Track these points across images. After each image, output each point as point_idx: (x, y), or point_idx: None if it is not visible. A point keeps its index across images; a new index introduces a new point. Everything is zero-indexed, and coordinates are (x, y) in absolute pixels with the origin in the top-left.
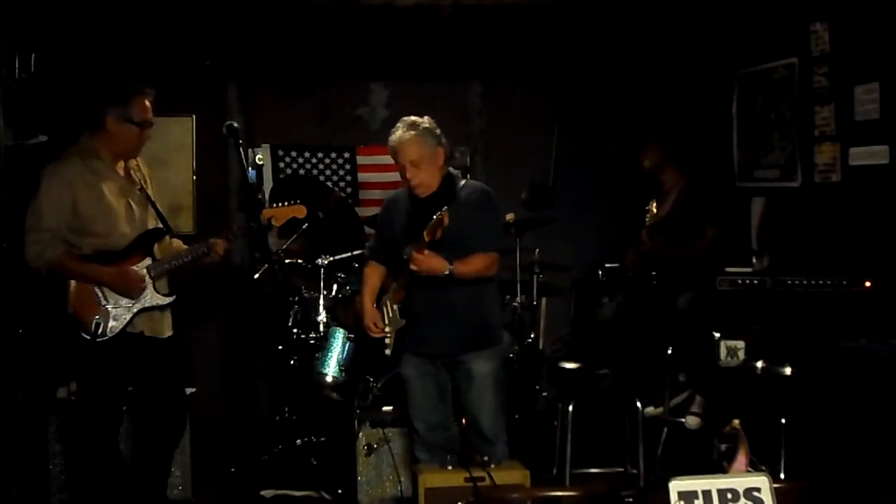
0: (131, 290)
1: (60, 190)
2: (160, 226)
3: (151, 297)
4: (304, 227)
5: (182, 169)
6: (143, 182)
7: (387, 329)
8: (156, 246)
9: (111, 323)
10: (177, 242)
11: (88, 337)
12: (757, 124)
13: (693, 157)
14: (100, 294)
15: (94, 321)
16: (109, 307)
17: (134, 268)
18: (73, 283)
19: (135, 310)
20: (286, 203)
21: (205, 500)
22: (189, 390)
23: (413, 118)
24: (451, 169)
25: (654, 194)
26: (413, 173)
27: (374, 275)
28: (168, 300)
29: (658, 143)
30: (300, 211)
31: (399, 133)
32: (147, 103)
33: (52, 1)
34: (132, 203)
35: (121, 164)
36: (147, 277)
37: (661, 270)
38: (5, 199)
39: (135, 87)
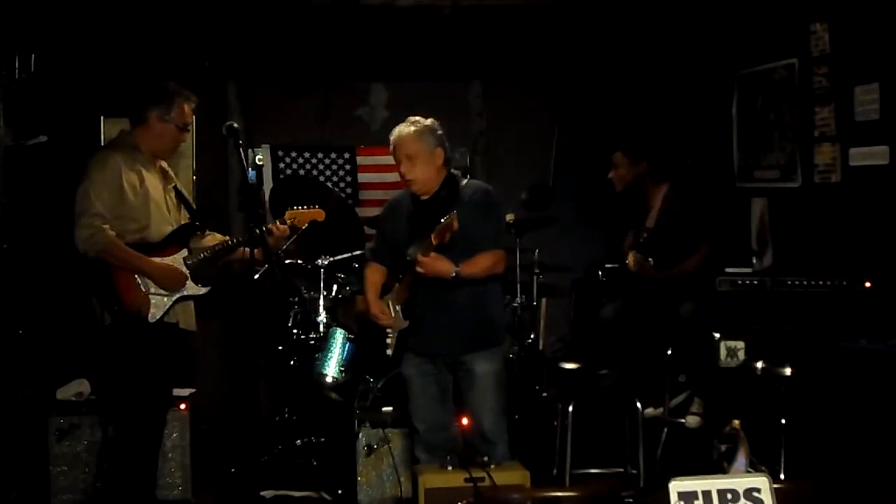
0: (172, 283)
1: (110, 176)
2: (194, 221)
3: (189, 288)
4: (303, 227)
5: (182, 169)
6: (175, 181)
7: (389, 329)
8: (191, 239)
9: (152, 310)
10: (210, 237)
11: (132, 323)
12: (757, 125)
13: (669, 164)
14: (141, 281)
15: (139, 307)
16: (150, 295)
17: (174, 263)
18: (116, 270)
19: (175, 297)
20: (307, 206)
21: (205, 501)
22: (189, 390)
23: (417, 118)
24: (452, 170)
25: (639, 209)
26: (407, 168)
27: (375, 273)
28: (205, 290)
29: (626, 155)
30: (319, 215)
31: (399, 128)
32: (187, 108)
33: (52, 1)
34: (168, 199)
35: (157, 163)
36: (185, 269)
37: (660, 285)
38: (5, 199)
39: (180, 91)
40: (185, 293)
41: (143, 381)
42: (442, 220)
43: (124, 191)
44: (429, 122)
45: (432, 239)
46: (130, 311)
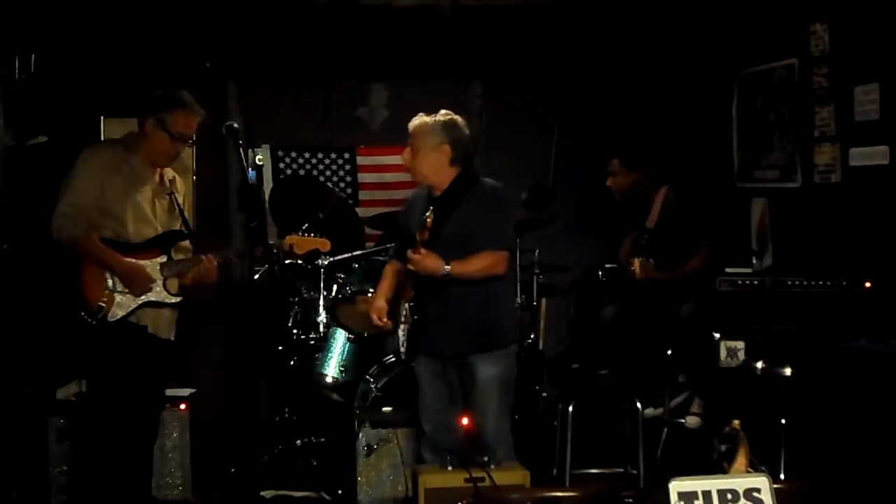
0: (137, 284)
1: (93, 171)
2: (183, 230)
3: (160, 294)
4: (304, 227)
5: (182, 169)
6: (175, 191)
7: (400, 325)
8: (175, 247)
9: (114, 309)
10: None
11: (88, 318)
12: (757, 125)
13: (666, 169)
14: (109, 278)
15: (98, 304)
16: (116, 293)
17: (146, 265)
18: (85, 262)
19: (140, 300)
20: (312, 234)
21: (205, 501)
22: (189, 390)
23: (444, 111)
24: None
25: (639, 212)
26: (407, 156)
27: (391, 272)
28: (175, 300)
29: (623, 164)
30: (324, 245)
31: (418, 116)
32: (190, 120)
33: (52, 1)
34: (158, 204)
35: (157, 169)
36: (159, 275)
37: (660, 285)
38: (5, 199)
39: (182, 102)
40: (153, 298)
41: (106, 380)
42: (425, 216)
43: (105, 188)
44: (447, 118)
45: (416, 236)
46: (89, 306)
